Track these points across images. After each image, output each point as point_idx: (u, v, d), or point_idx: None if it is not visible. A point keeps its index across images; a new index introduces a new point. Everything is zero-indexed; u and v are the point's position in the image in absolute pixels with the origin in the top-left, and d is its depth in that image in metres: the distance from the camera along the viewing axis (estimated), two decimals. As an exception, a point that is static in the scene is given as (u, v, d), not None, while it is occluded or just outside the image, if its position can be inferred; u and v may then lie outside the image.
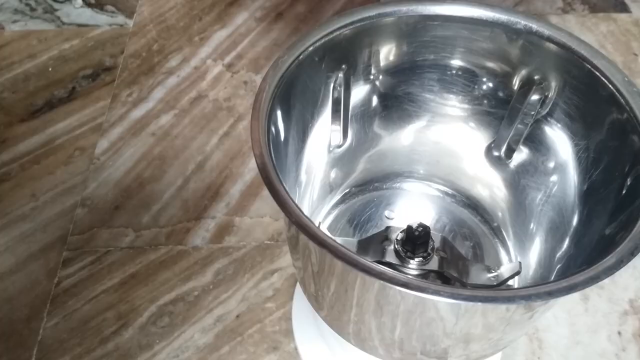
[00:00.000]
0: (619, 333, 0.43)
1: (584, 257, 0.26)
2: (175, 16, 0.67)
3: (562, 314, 0.44)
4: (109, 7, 0.68)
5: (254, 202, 0.51)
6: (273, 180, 0.25)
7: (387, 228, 0.35)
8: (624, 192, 0.26)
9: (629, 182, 0.26)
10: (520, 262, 0.35)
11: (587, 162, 0.29)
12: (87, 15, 0.68)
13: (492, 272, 0.35)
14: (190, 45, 0.64)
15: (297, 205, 0.25)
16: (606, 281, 0.48)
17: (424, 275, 0.36)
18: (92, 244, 0.48)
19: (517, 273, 0.34)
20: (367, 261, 0.22)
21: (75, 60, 0.63)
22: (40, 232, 0.49)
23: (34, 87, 0.60)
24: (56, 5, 0.69)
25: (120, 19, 0.67)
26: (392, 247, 0.34)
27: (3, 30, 0.66)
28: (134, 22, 0.67)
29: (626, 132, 0.26)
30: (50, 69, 0.62)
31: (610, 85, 0.27)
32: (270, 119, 0.27)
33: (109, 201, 0.51)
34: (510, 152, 0.36)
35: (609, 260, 0.21)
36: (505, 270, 0.35)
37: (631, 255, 0.21)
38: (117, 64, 0.62)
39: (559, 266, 0.30)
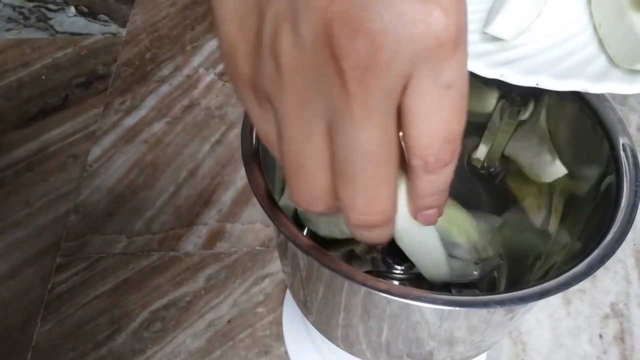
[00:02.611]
0: (601, 336, 0.45)
1: (557, 264, 0.27)
2: (168, 25, 0.68)
3: (545, 318, 0.45)
4: (102, 16, 0.69)
5: (245, 209, 0.52)
6: (262, 187, 0.26)
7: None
8: (596, 201, 0.27)
9: (601, 191, 0.27)
10: (500, 254, 0.37)
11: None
12: (81, 24, 0.68)
13: (474, 267, 0.37)
14: (183, 54, 0.65)
15: (284, 214, 0.26)
16: (588, 285, 0.49)
17: (413, 279, 0.37)
18: (85, 250, 0.49)
19: (498, 265, 0.35)
20: (352, 268, 0.23)
21: (68, 69, 0.64)
22: (34, 238, 0.50)
23: (28, 95, 0.61)
24: (50, 14, 0.69)
25: (113, 27, 0.68)
26: (379, 256, 0.35)
27: (-3, 38, 0.67)
28: (127, 31, 0.68)
29: (596, 142, 0.27)
30: (43, 77, 0.63)
31: (581, 99, 0.28)
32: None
33: (101, 208, 0.52)
34: (490, 163, 0.38)
35: (580, 267, 0.22)
36: (487, 264, 0.36)
37: (600, 262, 0.22)
38: (110, 72, 0.63)
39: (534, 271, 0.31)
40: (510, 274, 0.37)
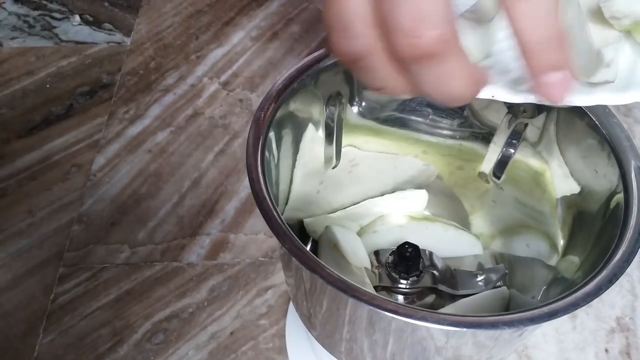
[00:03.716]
0: (606, 350, 0.44)
1: (565, 283, 0.27)
2: (172, 34, 0.68)
3: (551, 332, 0.45)
4: (107, 25, 0.69)
5: (248, 219, 0.52)
6: (265, 204, 0.26)
7: (376, 252, 0.36)
8: (605, 219, 0.27)
9: (610, 208, 0.27)
10: (504, 264, 0.37)
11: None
12: (85, 33, 0.69)
13: (479, 277, 0.36)
14: (187, 63, 0.65)
15: (288, 229, 0.26)
16: (594, 299, 0.49)
17: (419, 293, 0.37)
18: (88, 260, 0.49)
19: (505, 275, 0.35)
20: (357, 287, 0.23)
21: (72, 77, 0.64)
22: (36, 248, 0.50)
23: (32, 104, 0.61)
24: (54, 23, 0.70)
25: (117, 36, 0.68)
26: (384, 270, 0.35)
27: (1, 46, 0.67)
28: (131, 40, 0.68)
29: (604, 159, 0.27)
30: (47, 86, 0.63)
31: (590, 115, 0.28)
32: (265, 144, 0.28)
33: (105, 217, 0.52)
34: (498, 173, 0.38)
35: (589, 287, 0.22)
36: (492, 273, 0.36)
37: (609, 283, 0.22)
38: (115, 81, 0.63)
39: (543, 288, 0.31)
40: (516, 284, 0.37)
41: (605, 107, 0.28)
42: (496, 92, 0.24)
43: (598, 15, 0.24)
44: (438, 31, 0.15)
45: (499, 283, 0.36)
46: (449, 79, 0.17)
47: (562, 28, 0.16)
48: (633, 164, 0.26)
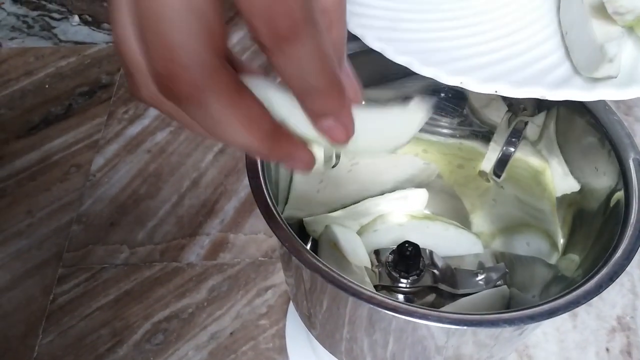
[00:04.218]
0: (607, 350, 0.44)
1: (565, 281, 0.27)
2: (172, 34, 0.68)
3: (552, 331, 0.45)
4: (106, 25, 0.69)
5: (248, 219, 0.52)
6: (266, 203, 0.26)
7: (376, 251, 0.36)
8: (605, 216, 0.26)
9: (610, 206, 0.26)
10: (504, 263, 0.37)
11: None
12: (84, 33, 0.69)
13: (479, 276, 0.36)
14: (186, 63, 0.65)
15: (288, 228, 0.25)
16: (594, 298, 0.48)
17: (419, 292, 0.37)
18: (87, 261, 0.49)
19: (505, 273, 0.35)
20: (357, 285, 0.23)
21: (71, 78, 0.63)
22: (35, 248, 0.50)
23: (31, 104, 0.61)
24: (53, 23, 0.70)
25: (116, 36, 0.68)
26: (384, 270, 0.34)
27: (0, 47, 0.67)
28: (130, 39, 0.68)
29: (604, 157, 0.27)
30: (47, 86, 0.63)
31: (590, 113, 0.28)
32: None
33: (104, 218, 0.52)
34: (498, 171, 0.37)
35: (589, 285, 0.21)
36: (492, 272, 0.36)
37: (610, 280, 0.21)
38: (114, 81, 0.63)
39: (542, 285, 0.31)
40: (516, 283, 0.37)
41: (605, 104, 0.28)
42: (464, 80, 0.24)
43: (601, 11, 0.24)
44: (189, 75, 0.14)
45: (499, 282, 0.36)
46: (218, 124, 0.15)
47: (333, 72, 0.15)
48: (633, 161, 0.26)
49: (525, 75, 0.25)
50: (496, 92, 0.24)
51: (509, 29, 0.28)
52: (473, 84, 0.25)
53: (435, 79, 0.26)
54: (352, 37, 0.32)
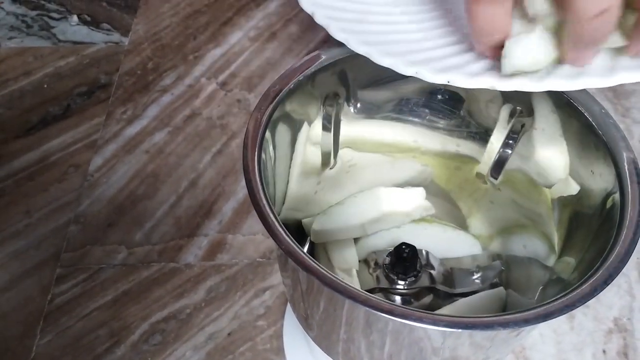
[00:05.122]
0: (604, 351, 0.44)
1: (561, 283, 0.27)
2: (170, 35, 0.68)
3: (549, 332, 0.45)
4: (105, 25, 0.69)
5: (246, 220, 0.52)
6: (262, 205, 0.26)
7: (372, 254, 0.36)
8: (601, 219, 0.27)
9: (606, 208, 0.27)
10: (500, 262, 0.37)
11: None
12: (83, 33, 0.69)
13: (475, 275, 0.37)
14: (185, 63, 0.65)
15: (284, 230, 0.26)
16: (591, 299, 0.49)
17: (416, 293, 0.37)
18: (85, 261, 0.49)
19: (501, 271, 0.35)
20: (353, 287, 0.23)
21: (70, 78, 0.63)
22: (33, 249, 0.50)
23: (29, 104, 0.61)
24: (52, 23, 0.70)
25: (115, 36, 0.68)
26: (381, 272, 0.35)
27: (-1, 47, 0.67)
28: (129, 40, 0.68)
29: (600, 159, 0.27)
30: (45, 86, 0.63)
31: (587, 116, 0.28)
32: (262, 146, 0.28)
33: (102, 218, 0.52)
34: (495, 174, 0.38)
35: (584, 288, 0.22)
36: (489, 270, 0.36)
37: (605, 283, 0.22)
38: (112, 81, 0.63)
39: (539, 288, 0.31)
40: (513, 284, 0.37)
41: (601, 107, 0.28)
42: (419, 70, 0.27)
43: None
44: None
45: (496, 280, 0.36)
46: None
47: None
48: (628, 164, 0.26)
49: (479, 67, 0.27)
50: (448, 82, 0.26)
51: (464, 23, 0.29)
52: (427, 75, 0.27)
53: (393, 69, 0.27)
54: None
